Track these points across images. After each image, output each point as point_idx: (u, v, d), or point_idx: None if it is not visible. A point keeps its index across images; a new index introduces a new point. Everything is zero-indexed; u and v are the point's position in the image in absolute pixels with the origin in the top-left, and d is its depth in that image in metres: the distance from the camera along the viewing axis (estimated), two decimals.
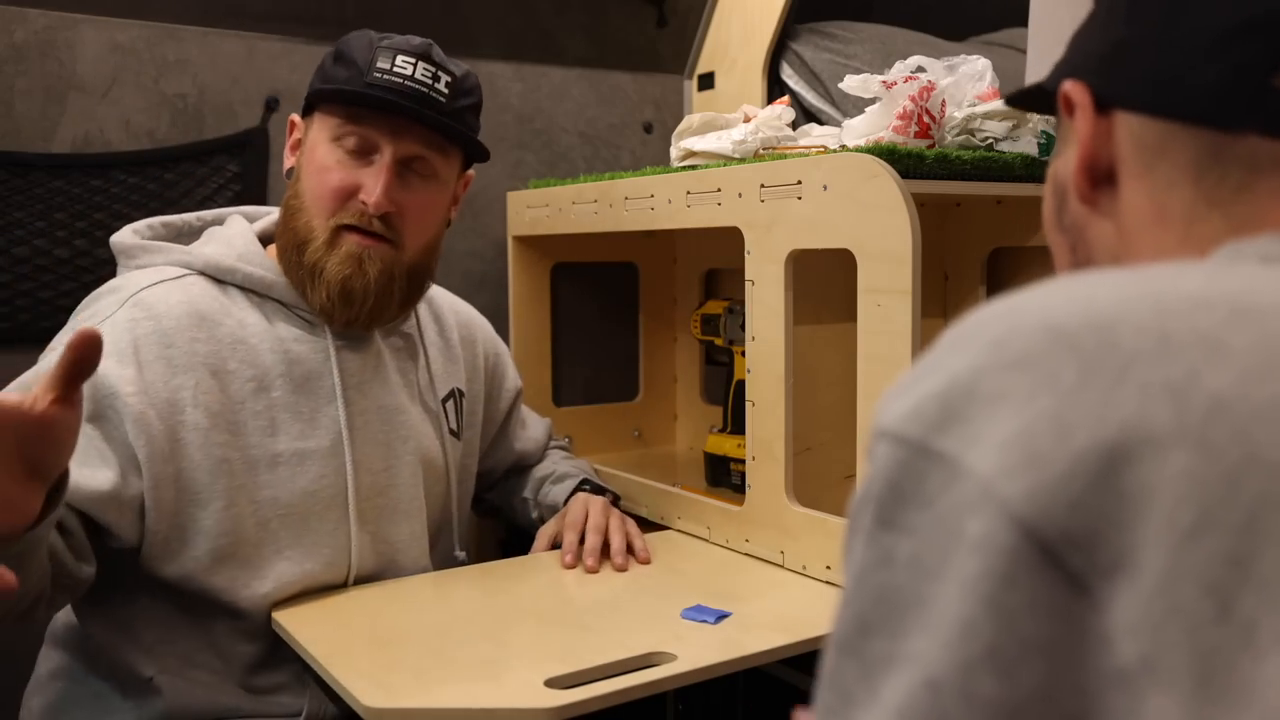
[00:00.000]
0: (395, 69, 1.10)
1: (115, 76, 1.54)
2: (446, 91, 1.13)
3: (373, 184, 1.11)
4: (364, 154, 1.12)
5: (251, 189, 1.62)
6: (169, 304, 1.09)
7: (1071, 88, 0.55)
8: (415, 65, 1.11)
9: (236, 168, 1.61)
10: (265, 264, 1.16)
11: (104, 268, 1.41)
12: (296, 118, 1.20)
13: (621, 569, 1.22)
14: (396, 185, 1.12)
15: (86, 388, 0.98)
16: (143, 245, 1.17)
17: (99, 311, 1.09)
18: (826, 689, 0.42)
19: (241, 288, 1.15)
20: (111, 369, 1.03)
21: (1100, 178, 0.55)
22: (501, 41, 1.94)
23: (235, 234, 1.19)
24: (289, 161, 1.20)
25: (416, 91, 1.11)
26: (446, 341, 1.32)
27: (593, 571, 1.21)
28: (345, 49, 1.13)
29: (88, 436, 1.02)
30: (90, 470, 1.01)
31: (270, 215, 1.26)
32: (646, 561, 1.25)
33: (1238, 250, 0.47)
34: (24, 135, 1.49)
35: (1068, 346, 0.39)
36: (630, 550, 1.25)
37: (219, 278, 1.14)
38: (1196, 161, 0.50)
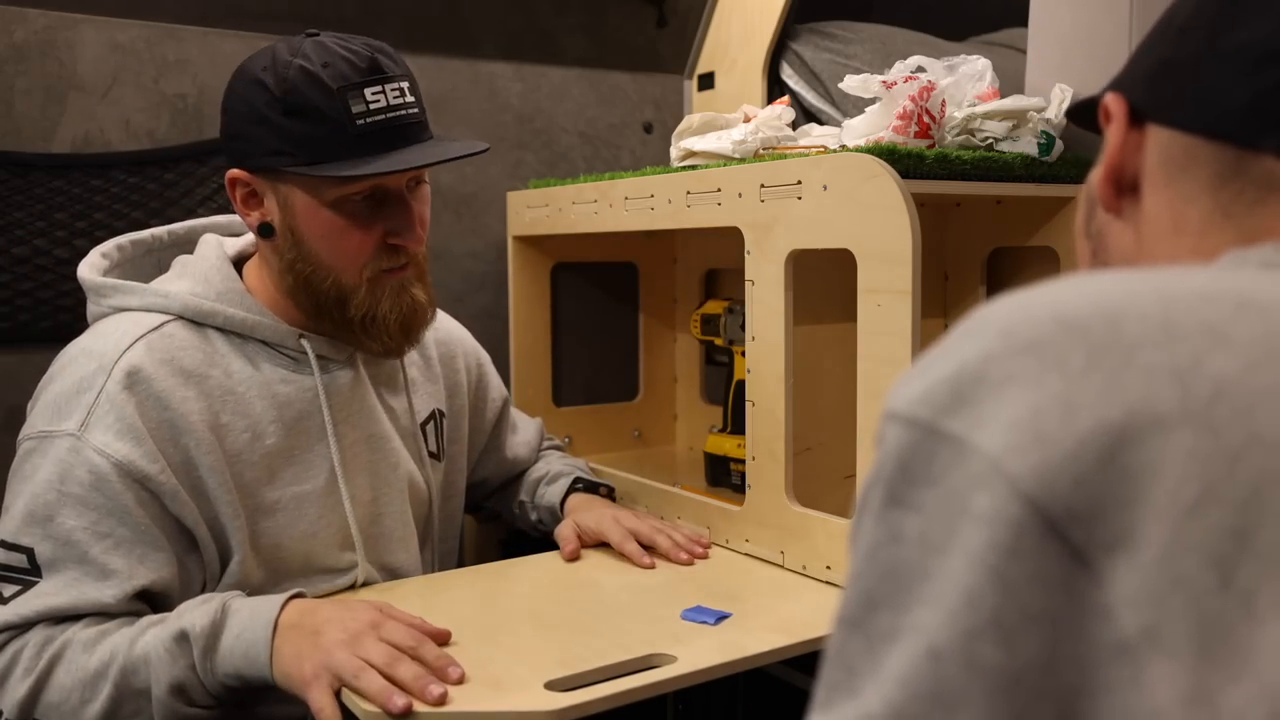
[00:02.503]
0: (372, 106, 1.04)
1: (115, 76, 1.54)
2: (413, 99, 1.09)
3: (402, 226, 1.10)
4: (375, 200, 1.09)
5: None
6: (154, 365, 1.04)
7: (1110, 99, 0.58)
8: (384, 91, 1.05)
9: None
10: (246, 303, 1.12)
11: None
12: (241, 174, 1.09)
13: (689, 563, 1.24)
14: (414, 210, 1.12)
15: (117, 479, 1.00)
16: (114, 285, 1.12)
17: (86, 383, 1.03)
18: (831, 665, 0.42)
19: (221, 329, 1.11)
20: (131, 452, 1.00)
21: (1125, 187, 0.58)
22: (501, 41, 1.94)
23: (211, 267, 1.13)
24: (253, 217, 1.11)
25: (404, 120, 1.07)
26: (426, 361, 1.31)
27: (652, 567, 1.22)
28: (298, 101, 1.03)
29: (136, 527, 1.01)
30: (152, 565, 1.02)
31: (249, 233, 1.21)
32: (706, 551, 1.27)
33: (1240, 257, 0.50)
34: (24, 135, 1.49)
35: (1076, 333, 0.41)
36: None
37: (197, 320, 1.10)
38: (1217, 176, 0.53)
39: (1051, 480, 0.38)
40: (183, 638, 0.95)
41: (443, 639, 0.97)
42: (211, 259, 1.15)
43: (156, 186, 1.57)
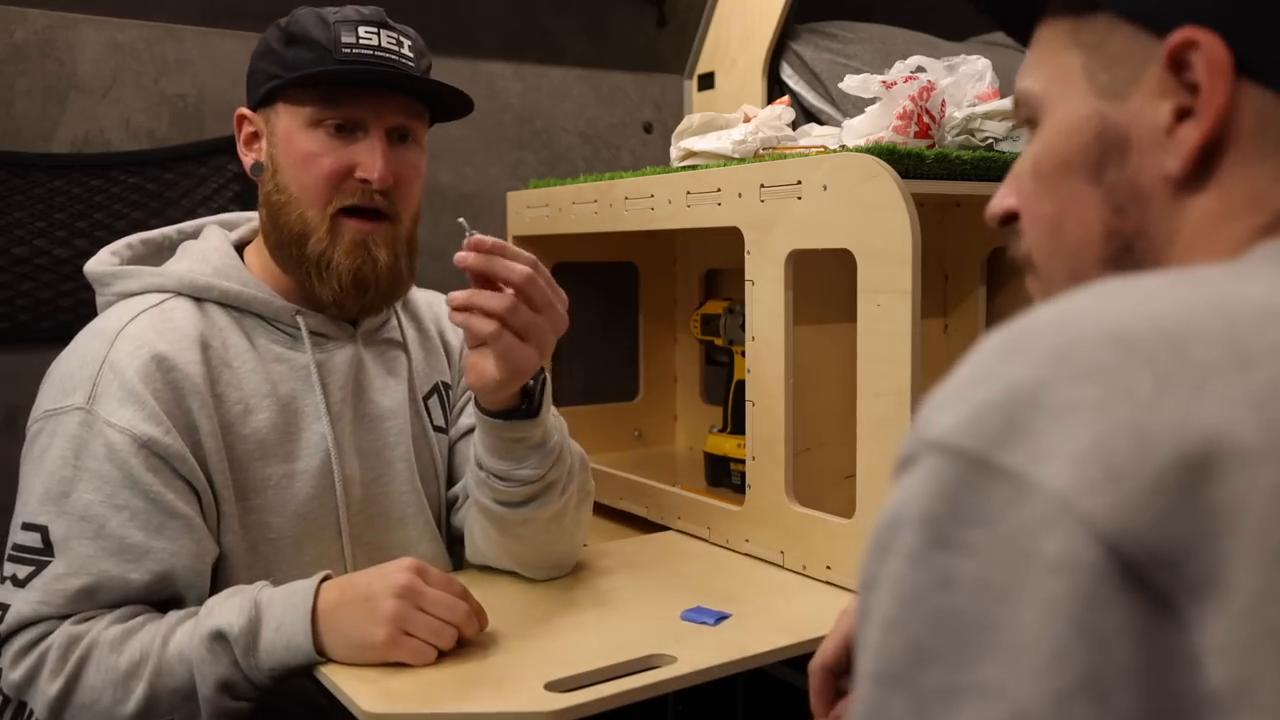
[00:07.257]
0: (362, 41, 1.07)
1: (115, 76, 1.54)
2: (411, 55, 1.11)
3: (369, 160, 1.09)
4: (349, 133, 1.10)
5: (251, 189, 1.61)
6: (158, 329, 1.05)
7: (1204, 38, 0.47)
8: (378, 34, 1.09)
9: (237, 168, 1.60)
10: (243, 277, 1.12)
11: None
12: (246, 111, 1.14)
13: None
14: (391, 156, 1.10)
15: (127, 448, 1.00)
16: (114, 272, 1.13)
17: (89, 357, 1.04)
18: None
19: (219, 304, 1.11)
20: (133, 418, 1.00)
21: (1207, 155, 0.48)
22: (501, 41, 1.94)
23: (210, 247, 1.15)
24: (250, 158, 1.15)
25: (389, 60, 1.09)
26: (425, 336, 1.30)
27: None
28: (297, 30, 1.09)
29: (147, 496, 1.00)
30: (169, 535, 1.01)
31: (250, 222, 1.22)
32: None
33: (1276, 252, 0.45)
34: (24, 135, 1.49)
35: (1140, 358, 0.37)
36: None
37: (195, 295, 1.10)
38: None
39: (1130, 519, 0.35)
40: (219, 637, 0.95)
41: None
42: (214, 241, 1.17)
43: (156, 186, 1.57)
